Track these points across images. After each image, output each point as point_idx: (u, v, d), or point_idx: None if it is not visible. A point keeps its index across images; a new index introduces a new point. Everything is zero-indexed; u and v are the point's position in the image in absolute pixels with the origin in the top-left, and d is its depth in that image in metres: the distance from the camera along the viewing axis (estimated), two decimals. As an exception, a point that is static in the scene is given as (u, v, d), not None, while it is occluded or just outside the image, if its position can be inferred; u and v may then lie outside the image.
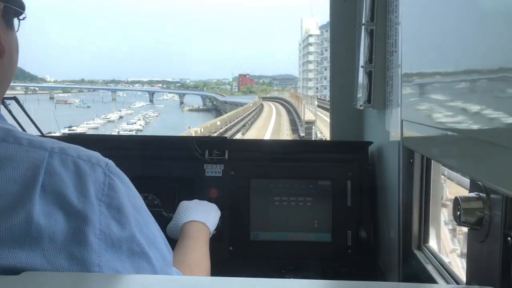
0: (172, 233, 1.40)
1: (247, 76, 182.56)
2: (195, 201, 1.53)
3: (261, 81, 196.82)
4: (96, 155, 0.76)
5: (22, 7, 0.80)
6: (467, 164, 0.58)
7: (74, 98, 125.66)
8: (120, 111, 79.81)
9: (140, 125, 54.20)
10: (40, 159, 0.69)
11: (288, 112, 56.16)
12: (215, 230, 1.48)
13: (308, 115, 34.91)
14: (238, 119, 45.07)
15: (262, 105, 71.00)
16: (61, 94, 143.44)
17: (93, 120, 60.85)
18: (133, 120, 60.60)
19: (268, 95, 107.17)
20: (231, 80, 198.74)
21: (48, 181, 0.68)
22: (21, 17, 0.82)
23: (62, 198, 0.68)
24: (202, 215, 1.44)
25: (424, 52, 0.76)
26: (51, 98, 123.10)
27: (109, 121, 63.58)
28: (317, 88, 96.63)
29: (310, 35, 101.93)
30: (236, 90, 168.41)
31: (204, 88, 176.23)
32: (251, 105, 62.25)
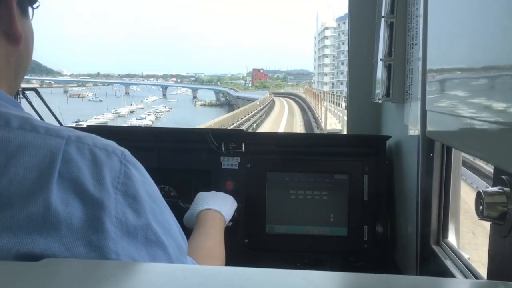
0: (188, 222, 1.42)
1: (261, 71, 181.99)
2: (213, 192, 1.55)
3: (275, 76, 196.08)
4: (112, 143, 0.76)
5: None
6: (492, 152, 0.56)
7: (88, 92, 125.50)
8: (131, 105, 77.95)
9: (150, 120, 52.60)
10: (57, 146, 0.69)
11: (302, 110, 49.94)
12: (231, 221, 1.49)
13: (331, 122, 27.21)
14: (238, 122, 35.63)
15: (273, 101, 66.57)
16: (75, 88, 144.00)
17: (103, 114, 58.62)
18: (143, 115, 59.08)
19: (282, 91, 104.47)
20: (245, 74, 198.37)
21: (65, 168, 0.68)
22: (34, 6, 0.82)
23: (79, 185, 0.68)
24: (218, 204, 1.45)
25: (450, 44, 0.75)
26: (65, 91, 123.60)
27: (119, 116, 61.57)
28: (333, 84, 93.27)
29: (327, 28, 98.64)
30: (250, 85, 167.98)
31: (218, 82, 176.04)
32: (258, 103, 53.91)
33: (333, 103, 32.24)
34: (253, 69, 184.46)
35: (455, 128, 0.69)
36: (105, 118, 55.50)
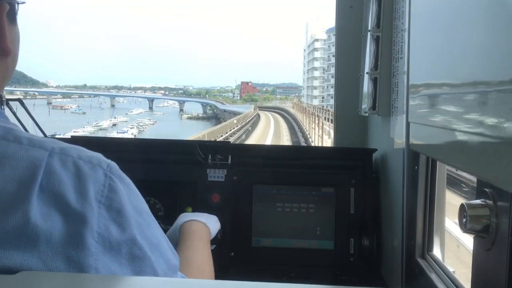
0: (170, 235, 1.37)
1: (250, 84, 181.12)
2: (196, 213, 1.52)
3: (264, 89, 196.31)
4: (97, 156, 0.74)
5: None
6: (477, 165, 0.56)
7: (71, 104, 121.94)
8: (115, 117, 74.48)
9: (132, 134, 49.68)
10: (40, 158, 0.68)
11: (291, 129, 41.78)
12: (213, 243, 1.46)
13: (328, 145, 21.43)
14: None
15: (258, 116, 60.48)
16: (59, 100, 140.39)
17: (83, 127, 54.95)
18: (125, 128, 56.19)
19: (271, 104, 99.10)
20: (234, 87, 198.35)
21: (46, 181, 0.66)
22: (20, 1, 0.81)
23: (61, 199, 0.66)
24: (203, 217, 1.42)
25: (433, 57, 0.76)
26: (49, 103, 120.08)
27: (100, 129, 57.96)
28: (323, 97, 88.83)
29: (316, 40, 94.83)
30: (238, 98, 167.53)
31: (207, 95, 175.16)
32: (235, 121, 42.93)
33: (326, 120, 26.94)
34: (241, 82, 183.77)
35: (438, 140, 0.70)
36: (85, 131, 52.53)
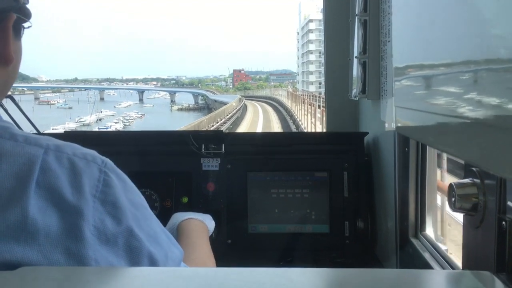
0: None
1: (242, 72, 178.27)
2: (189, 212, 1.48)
3: (257, 77, 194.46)
4: (92, 153, 0.76)
5: (29, 16, 0.81)
6: (462, 147, 0.58)
7: (59, 99, 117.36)
8: (101, 111, 70.45)
9: (116, 129, 43.81)
10: (36, 155, 0.69)
11: (286, 128, 29.61)
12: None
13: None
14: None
15: (245, 107, 51.89)
16: (48, 95, 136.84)
17: (65, 124, 48.95)
18: (108, 123, 52.51)
19: (263, 93, 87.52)
20: (227, 76, 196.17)
21: (42, 177, 0.68)
22: (26, 25, 0.82)
23: (57, 194, 0.68)
24: (198, 215, 1.42)
25: (415, 40, 0.77)
26: (36, 98, 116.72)
27: (83, 125, 52.45)
28: (320, 83, 79.82)
29: (311, 21, 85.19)
30: (231, 86, 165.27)
31: (199, 85, 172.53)
32: (205, 119, 31.01)
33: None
34: (234, 70, 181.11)
35: (423, 123, 0.71)
36: (66, 128, 44.97)
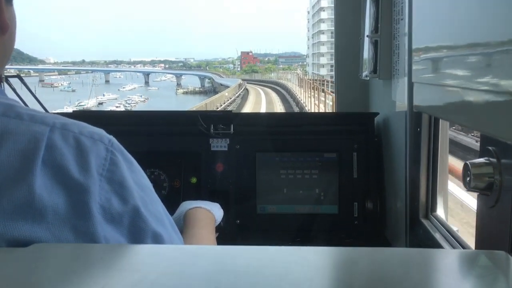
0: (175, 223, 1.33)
1: (250, 54, 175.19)
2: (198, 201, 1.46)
3: (266, 59, 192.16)
4: (99, 131, 0.75)
5: None
6: (479, 120, 0.56)
7: (63, 81, 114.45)
8: (103, 95, 68.71)
9: None
10: (42, 133, 0.68)
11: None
12: (217, 231, 1.41)
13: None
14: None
15: (246, 91, 46.68)
16: (53, 77, 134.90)
17: (64, 108, 42.85)
18: (109, 108, 48.16)
19: (272, 76, 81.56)
20: (235, 58, 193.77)
21: (48, 155, 0.67)
22: None
23: (63, 172, 0.67)
24: (207, 205, 1.39)
25: (435, 16, 0.74)
26: (41, 81, 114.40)
27: (83, 109, 50.29)
28: (331, 66, 71.36)
29: None
30: (239, 69, 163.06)
31: (207, 67, 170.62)
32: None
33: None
34: (241, 52, 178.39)
35: (441, 99, 0.70)
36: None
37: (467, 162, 0.83)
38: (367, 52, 1.67)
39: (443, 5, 0.71)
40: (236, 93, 44.57)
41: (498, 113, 0.52)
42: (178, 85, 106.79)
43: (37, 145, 0.67)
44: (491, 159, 0.80)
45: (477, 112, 0.57)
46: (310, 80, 30.71)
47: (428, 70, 0.76)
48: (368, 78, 1.74)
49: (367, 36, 1.64)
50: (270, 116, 2.19)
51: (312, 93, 24.30)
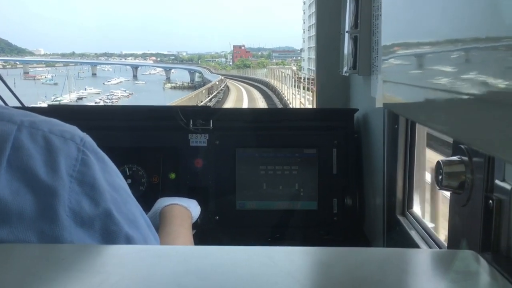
0: (150, 220, 1.31)
1: (243, 48, 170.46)
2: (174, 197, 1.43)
3: (259, 53, 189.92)
4: (71, 129, 0.72)
5: None
6: (450, 124, 0.56)
7: (47, 73, 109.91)
8: (85, 89, 64.50)
9: None
10: (8, 132, 0.65)
11: None
12: (193, 228, 1.39)
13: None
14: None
15: (227, 89, 43.11)
16: (40, 69, 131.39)
17: (37, 103, 36.52)
18: (88, 104, 42.76)
19: (265, 70, 69.20)
20: (228, 52, 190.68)
21: (14, 156, 0.64)
22: None
23: (30, 174, 0.65)
24: (183, 201, 1.37)
25: (403, 15, 0.74)
26: (26, 73, 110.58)
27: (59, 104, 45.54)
28: None
29: None
30: (231, 63, 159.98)
31: (199, 61, 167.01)
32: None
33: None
34: (234, 46, 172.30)
35: (411, 98, 0.69)
36: None
37: (439, 160, 0.83)
38: (347, 47, 1.67)
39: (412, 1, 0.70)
40: (212, 94, 40.28)
41: (466, 119, 0.51)
42: (167, 79, 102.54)
43: (2, 146, 0.64)
44: (463, 157, 0.80)
45: (444, 115, 0.57)
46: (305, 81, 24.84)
47: (395, 68, 0.75)
48: (347, 74, 1.73)
49: (347, 31, 1.64)
50: (250, 112, 2.18)
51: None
